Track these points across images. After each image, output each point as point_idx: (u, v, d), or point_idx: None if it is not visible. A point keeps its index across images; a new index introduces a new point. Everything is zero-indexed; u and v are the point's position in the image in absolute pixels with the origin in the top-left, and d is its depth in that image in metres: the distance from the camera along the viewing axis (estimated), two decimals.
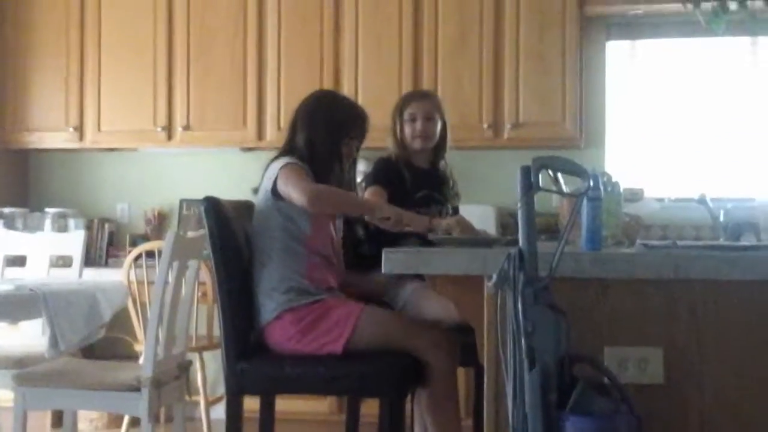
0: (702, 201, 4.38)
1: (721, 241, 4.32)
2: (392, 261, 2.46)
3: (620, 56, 5.70)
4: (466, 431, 3.88)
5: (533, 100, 5.42)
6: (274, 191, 3.25)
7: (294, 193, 3.18)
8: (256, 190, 3.42)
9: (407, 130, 3.82)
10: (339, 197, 3.31)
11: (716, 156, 5.59)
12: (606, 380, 2.16)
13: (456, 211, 3.98)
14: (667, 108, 5.65)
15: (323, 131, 3.38)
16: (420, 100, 3.89)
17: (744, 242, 4.54)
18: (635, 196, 4.01)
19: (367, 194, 3.68)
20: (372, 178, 3.76)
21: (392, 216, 3.21)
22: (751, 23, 3.73)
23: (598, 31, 5.65)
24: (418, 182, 3.80)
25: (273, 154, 5.17)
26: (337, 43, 5.59)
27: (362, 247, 3.59)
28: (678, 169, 5.61)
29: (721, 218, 4.85)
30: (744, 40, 5.52)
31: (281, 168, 3.25)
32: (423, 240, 3.26)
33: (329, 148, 3.38)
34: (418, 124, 3.82)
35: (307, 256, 3.26)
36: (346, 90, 5.43)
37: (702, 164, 5.59)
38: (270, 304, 3.18)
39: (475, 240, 3.14)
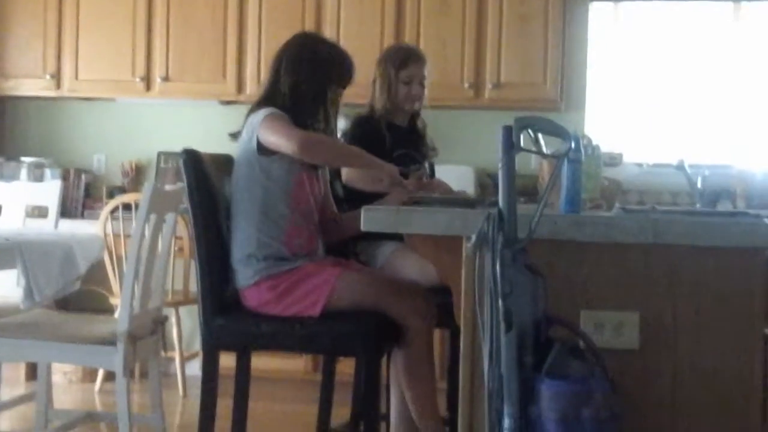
0: (680, 167, 4.40)
1: (699, 207, 4.34)
2: (371, 219, 2.45)
3: (603, 18, 5.67)
4: (440, 392, 3.91)
5: (515, 60, 5.40)
6: (259, 146, 3.15)
7: (281, 140, 3.08)
8: (233, 136, 3.32)
9: (402, 90, 3.81)
10: (333, 145, 3.26)
11: (695, 122, 5.60)
12: (582, 344, 2.17)
13: (432, 172, 3.97)
14: (648, 72, 5.65)
15: (309, 73, 3.25)
16: (418, 63, 3.86)
17: (721, 208, 4.57)
18: (614, 160, 4.02)
19: None
20: (351, 137, 3.74)
21: (389, 177, 3.19)
22: None
23: None
24: (397, 141, 3.79)
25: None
26: None
27: (341, 205, 3.57)
28: (657, 134, 5.62)
29: (699, 184, 4.88)
30: (727, 5, 5.51)
31: (263, 119, 3.14)
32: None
33: (315, 92, 3.26)
34: (414, 88, 3.82)
35: (288, 217, 3.19)
36: None
37: (681, 130, 5.61)
38: (247, 270, 3.15)
39: (455, 200, 3.13)
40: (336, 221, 3.43)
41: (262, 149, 3.15)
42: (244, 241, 3.18)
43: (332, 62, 3.31)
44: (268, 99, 3.28)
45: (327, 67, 3.29)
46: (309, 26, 5.52)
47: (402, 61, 3.84)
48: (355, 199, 3.44)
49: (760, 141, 5.53)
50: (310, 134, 3.14)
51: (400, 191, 3.24)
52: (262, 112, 3.18)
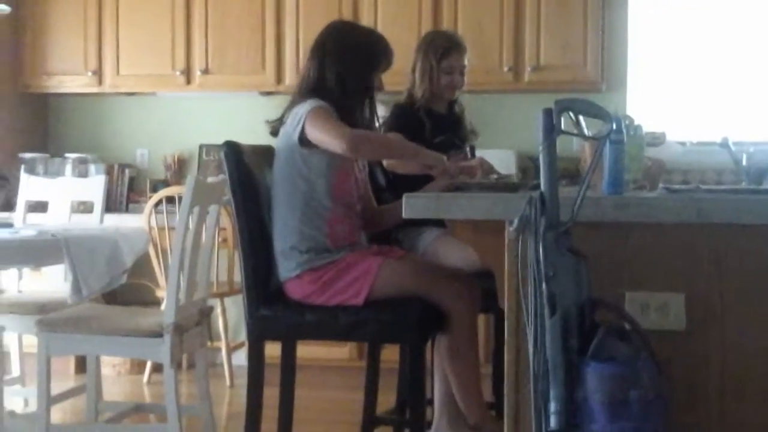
0: (724, 144, 4.33)
1: (744, 185, 4.28)
2: (413, 206, 2.44)
3: None
4: (485, 377, 3.90)
5: (554, 42, 5.36)
6: (301, 139, 3.13)
7: (327, 137, 3.05)
8: (273, 128, 3.31)
9: (443, 79, 3.81)
10: (379, 141, 3.25)
11: (739, 99, 5.52)
12: (627, 326, 2.15)
13: (473, 152, 3.96)
14: (689, 51, 5.57)
15: (354, 63, 3.23)
16: (459, 52, 3.86)
17: (767, 186, 4.50)
18: (657, 139, 3.97)
19: None
20: (391, 125, 3.74)
21: (437, 165, 3.18)
22: None
23: None
24: (437, 128, 3.79)
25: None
26: None
27: (383, 194, 3.57)
28: (700, 112, 5.55)
29: (744, 162, 4.80)
30: None
31: (309, 112, 3.11)
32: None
33: (362, 83, 3.25)
34: (455, 78, 3.83)
35: (330, 209, 3.18)
36: None
37: (724, 108, 5.53)
38: (289, 263, 3.16)
39: (497, 184, 3.12)
40: (374, 214, 3.42)
41: (305, 141, 3.14)
42: (286, 233, 3.18)
43: (375, 49, 3.30)
44: (314, 90, 3.23)
45: (370, 55, 3.28)
46: (346, 13, 5.52)
47: (443, 51, 3.83)
48: (398, 187, 3.43)
49: None
50: (356, 133, 3.09)
51: (445, 177, 3.23)
52: (308, 104, 3.14)
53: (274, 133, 3.30)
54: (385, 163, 3.59)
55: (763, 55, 5.49)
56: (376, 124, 3.41)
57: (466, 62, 3.88)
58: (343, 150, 3.04)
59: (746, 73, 5.51)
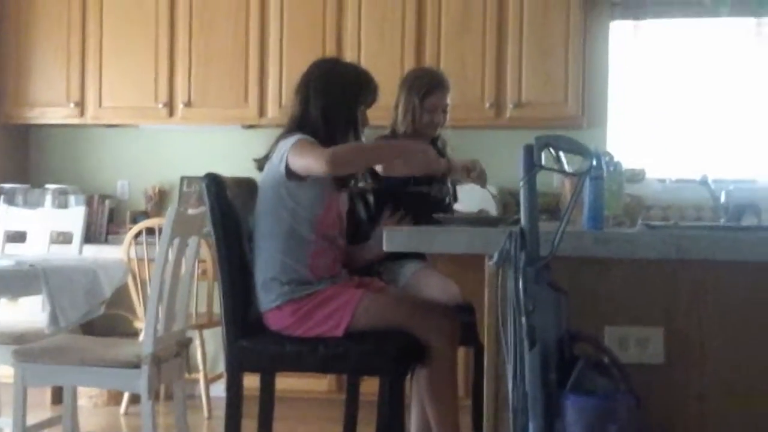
0: (703, 182, 4.36)
1: (723, 222, 4.32)
2: (393, 240, 2.45)
3: (624, 36, 5.67)
4: (464, 411, 3.89)
5: (536, 79, 5.40)
6: (288, 172, 3.14)
7: (311, 162, 3.06)
8: (259, 165, 3.32)
9: (425, 118, 3.83)
10: (361, 149, 3.24)
11: (718, 137, 5.57)
12: (606, 359, 2.15)
13: (455, 192, 3.99)
14: (670, 88, 5.63)
15: (338, 96, 3.26)
16: (442, 91, 3.88)
17: (745, 223, 4.54)
18: (637, 176, 4.00)
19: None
20: None
21: (422, 155, 3.20)
22: (755, 4, 3.70)
23: (602, 11, 5.62)
24: None
25: (275, 131, 5.10)
26: (340, 21, 5.57)
27: (363, 227, 3.58)
28: (680, 150, 5.60)
29: (723, 199, 4.84)
30: (749, 21, 5.49)
31: (292, 145, 3.13)
32: (424, 221, 3.25)
33: (346, 116, 3.27)
34: (438, 116, 3.85)
35: (313, 242, 3.19)
36: None
37: (704, 145, 5.58)
38: (270, 294, 3.16)
39: (477, 219, 3.13)
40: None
41: (291, 174, 3.15)
42: (268, 265, 3.18)
43: (359, 84, 3.33)
44: (298, 125, 3.27)
45: (355, 89, 3.31)
46: (330, 48, 5.55)
47: (427, 90, 3.85)
48: (379, 221, 3.46)
49: None
50: (335, 148, 3.10)
51: (438, 161, 3.31)
52: (292, 139, 3.16)
53: (261, 168, 3.31)
54: (379, 169, 3.59)
55: (742, 93, 5.55)
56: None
57: (448, 101, 3.91)
58: (325, 170, 3.05)
59: (726, 111, 5.56)
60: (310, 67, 3.40)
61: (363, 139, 3.36)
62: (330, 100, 3.26)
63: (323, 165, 3.03)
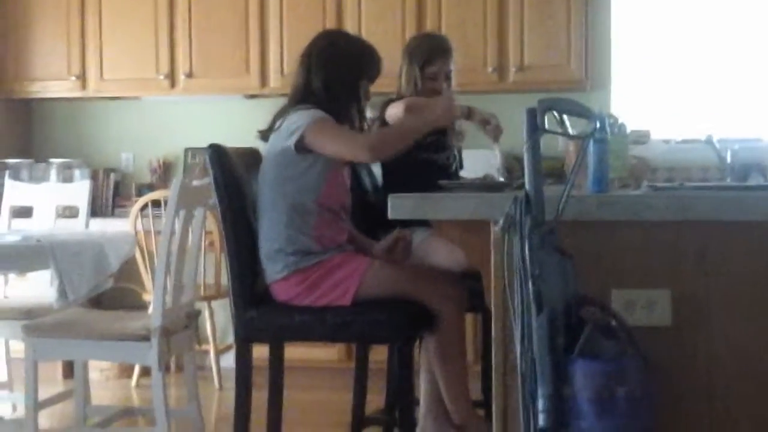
0: (709, 142, 4.35)
1: (728, 182, 4.31)
2: (399, 207, 2.45)
3: None
4: (474, 376, 3.91)
5: (538, 42, 5.37)
6: (298, 146, 3.12)
7: (343, 147, 3.09)
8: (263, 136, 3.30)
9: (428, 85, 3.81)
10: (394, 137, 3.22)
11: (723, 96, 5.54)
12: (613, 323, 2.16)
13: (460, 157, 3.98)
14: (673, 49, 5.60)
15: (341, 69, 3.25)
16: (443, 58, 3.84)
17: (751, 183, 4.52)
18: (641, 138, 3.99)
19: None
20: (383, 120, 3.72)
21: (441, 111, 3.23)
22: None
23: None
24: None
25: (277, 101, 5.08)
26: None
27: (369, 197, 3.58)
28: (684, 110, 5.57)
29: (728, 159, 4.83)
30: None
31: (312, 123, 3.11)
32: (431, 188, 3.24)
33: (348, 88, 3.25)
34: (440, 83, 3.82)
35: (317, 213, 3.18)
36: None
37: (709, 105, 5.55)
38: (276, 265, 3.15)
39: (483, 185, 3.13)
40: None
41: (301, 149, 3.13)
42: (272, 236, 3.18)
43: (362, 57, 3.31)
44: (301, 97, 3.26)
45: (357, 62, 3.29)
46: (330, 16, 5.52)
47: (427, 57, 3.82)
48: (386, 188, 3.45)
49: None
50: (372, 139, 3.14)
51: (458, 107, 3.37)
52: (308, 115, 3.14)
53: (265, 139, 3.29)
54: None
55: (747, 52, 5.51)
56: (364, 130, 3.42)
57: (452, 67, 3.87)
58: (366, 158, 3.12)
59: (730, 70, 5.53)
60: (314, 39, 3.39)
61: (368, 113, 3.34)
62: (332, 73, 3.24)
63: (363, 153, 3.10)
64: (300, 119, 3.14)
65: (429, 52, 3.84)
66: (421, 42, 3.99)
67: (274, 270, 3.16)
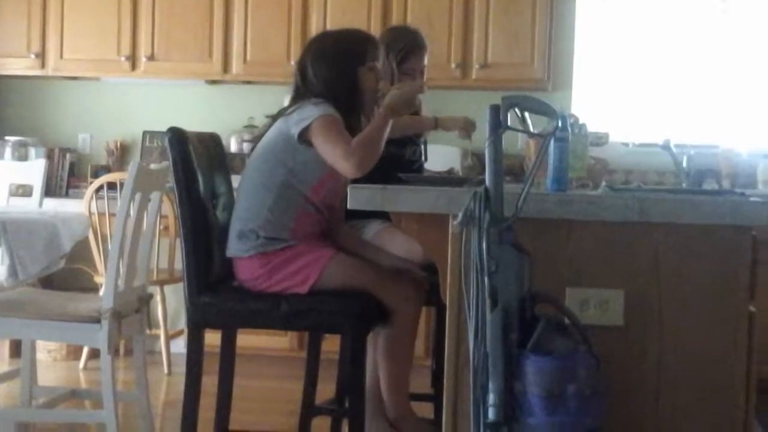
0: (666, 147, 4.41)
1: (684, 186, 4.36)
2: (358, 198, 2.44)
3: None
4: (425, 370, 3.92)
5: (502, 40, 5.40)
6: (301, 135, 3.09)
7: (335, 157, 3.04)
8: (273, 118, 3.25)
9: (403, 80, 3.80)
10: (373, 142, 3.11)
11: (681, 102, 5.61)
12: (566, 321, 2.17)
13: (425, 150, 3.98)
14: (635, 51, 5.65)
15: (338, 66, 3.21)
16: (419, 55, 3.85)
17: (706, 188, 4.58)
18: (600, 139, 4.02)
19: None
20: None
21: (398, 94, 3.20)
22: None
23: None
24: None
25: (238, 87, 5.12)
26: None
27: None
28: (643, 114, 5.63)
29: (684, 164, 4.90)
30: None
31: (319, 117, 3.08)
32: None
33: (348, 82, 3.21)
34: (415, 79, 3.81)
35: (301, 205, 3.17)
36: (314, 25, 5.39)
37: (667, 110, 5.61)
38: (243, 243, 3.14)
39: (443, 179, 3.13)
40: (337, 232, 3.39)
41: (304, 139, 3.11)
42: (250, 215, 3.16)
43: (352, 46, 3.28)
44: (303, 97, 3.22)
45: (349, 52, 3.25)
46: (295, 6, 5.52)
47: (404, 54, 3.82)
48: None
49: (745, 121, 5.54)
50: (359, 152, 3.04)
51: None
52: (322, 109, 3.11)
53: (274, 120, 3.24)
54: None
55: (706, 59, 5.58)
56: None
57: (425, 62, 3.89)
58: (350, 171, 3.04)
59: (689, 76, 5.60)
60: (305, 45, 3.40)
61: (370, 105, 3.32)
62: (329, 71, 3.21)
63: (349, 169, 3.03)
64: (313, 111, 3.11)
65: (406, 48, 3.84)
66: (398, 36, 3.96)
67: (240, 248, 3.15)
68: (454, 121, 3.86)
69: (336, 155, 3.06)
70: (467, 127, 3.84)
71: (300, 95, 3.26)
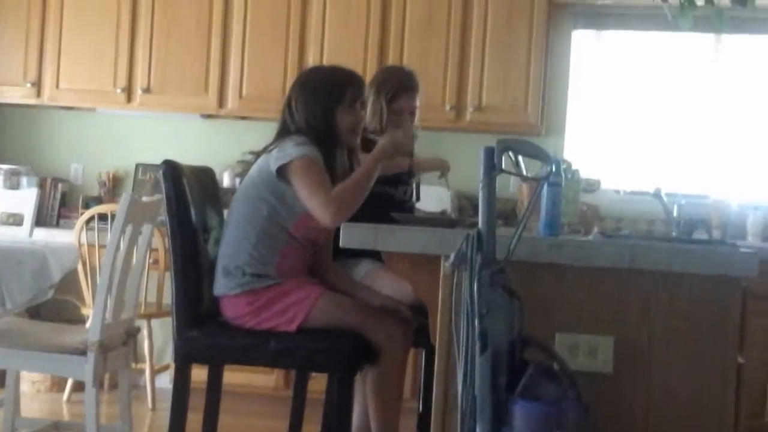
0: (657, 195, 4.43)
1: (674, 235, 4.37)
2: (350, 236, 2.45)
3: (585, 45, 5.71)
4: (410, 412, 3.90)
5: (497, 84, 5.42)
6: (280, 172, 3.10)
7: (310, 202, 3.05)
8: (256, 155, 3.26)
9: (392, 120, 3.81)
10: (351, 192, 3.11)
11: (673, 151, 5.64)
12: (556, 366, 2.17)
13: (418, 190, 3.99)
14: (628, 100, 5.69)
15: (316, 103, 3.22)
16: (409, 95, 3.85)
17: (696, 237, 4.60)
18: (592, 186, 4.05)
19: None
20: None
21: (387, 144, 3.22)
22: (716, 20, 3.75)
23: (565, 20, 5.67)
24: None
25: (233, 122, 5.13)
26: (304, 14, 5.55)
27: None
28: (635, 162, 5.65)
29: (675, 213, 4.92)
30: (708, 37, 5.56)
31: (300, 157, 3.09)
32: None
33: (325, 120, 3.21)
34: (404, 119, 3.83)
35: (286, 240, 3.17)
36: (311, 62, 5.41)
37: (659, 159, 5.64)
38: (230, 281, 3.14)
39: (435, 220, 3.14)
40: (323, 268, 3.38)
41: (282, 176, 3.12)
42: (235, 253, 3.15)
43: (331, 85, 3.27)
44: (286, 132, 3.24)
45: (327, 91, 3.25)
46: (292, 43, 5.53)
47: (393, 93, 3.83)
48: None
49: (736, 172, 5.57)
50: (335, 200, 3.05)
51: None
52: (303, 149, 3.11)
53: (257, 158, 3.26)
54: None
55: (698, 109, 5.62)
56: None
57: (417, 103, 3.90)
58: (327, 223, 3.05)
59: (682, 125, 5.63)
60: (294, 80, 3.41)
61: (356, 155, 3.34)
62: (308, 107, 3.23)
63: (326, 219, 3.04)
64: (293, 150, 3.12)
65: (396, 87, 3.85)
66: (390, 75, 3.98)
67: (227, 285, 3.14)
68: (428, 162, 3.81)
69: (314, 203, 3.06)
70: (441, 169, 3.82)
71: (284, 129, 3.27)
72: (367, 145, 3.70)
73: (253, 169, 3.23)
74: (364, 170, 3.18)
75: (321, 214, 3.05)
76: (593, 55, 5.72)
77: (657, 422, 2.32)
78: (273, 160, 3.14)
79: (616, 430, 2.31)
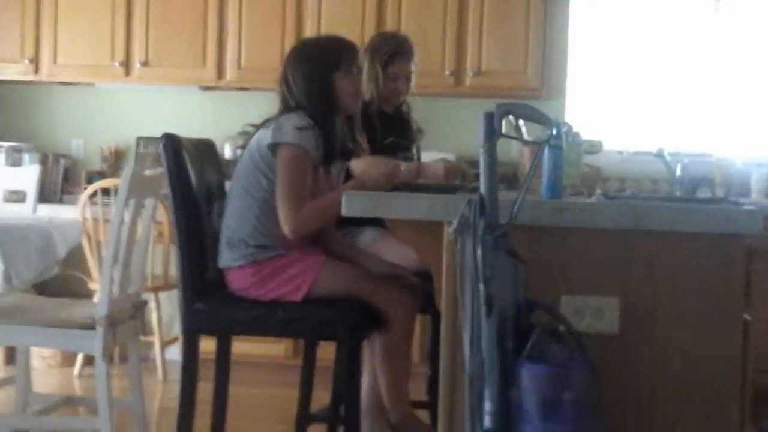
0: (660, 155, 4.42)
1: (678, 195, 4.37)
2: (353, 205, 2.45)
3: (585, 6, 5.68)
4: (420, 377, 3.92)
5: (496, 48, 5.41)
6: (272, 148, 3.10)
7: (280, 200, 3.07)
8: (257, 127, 3.25)
9: (389, 85, 3.81)
10: (324, 216, 3.12)
11: (675, 110, 5.62)
12: (562, 328, 2.18)
13: (419, 155, 3.99)
14: (628, 60, 5.66)
15: (312, 71, 3.20)
16: (404, 59, 3.85)
17: (700, 196, 4.60)
18: (594, 147, 4.04)
19: None
20: (347, 173, 3.69)
21: (382, 176, 3.14)
22: None
23: None
24: (387, 130, 3.81)
25: (233, 94, 5.11)
26: None
27: None
28: (637, 122, 5.64)
29: (678, 172, 4.91)
30: None
31: (289, 146, 3.08)
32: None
33: (323, 87, 3.19)
34: (401, 83, 3.83)
35: None
36: (309, 31, 5.40)
37: (661, 118, 5.63)
38: (234, 253, 3.14)
39: (438, 186, 3.14)
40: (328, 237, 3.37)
41: (272, 150, 3.12)
42: (239, 225, 3.16)
43: (326, 52, 3.26)
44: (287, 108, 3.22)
45: (324, 58, 3.24)
46: (289, 13, 5.51)
47: (388, 58, 3.83)
48: None
49: (739, 129, 5.56)
50: (301, 217, 3.06)
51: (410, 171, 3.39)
52: (297, 136, 3.08)
53: (256, 130, 3.25)
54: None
55: (700, 68, 5.60)
56: (362, 143, 3.41)
57: (412, 68, 3.88)
58: (286, 231, 3.08)
59: (683, 85, 5.61)
60: (287, 53, 3.37)
61: (358, 125, 3.32)
62: (306, 78, 3.20)
63: (285, 228, 3.07)
64: (291, 133, 3.09)
65: (391, 52, 3.85)
66: (384, 41, 3.98)
67: (231, 257, 3.15)
68: (435, 168, 3.70)
69: (283, 207, 3.08)
70: (449, 175, 3.69)
71: (286, 106, 3.25)
72: (370, 119, 3.69)
73: (253, 142, 3.22)
74: (339, 196, 3.18)
75: (283, 221, 3.07)
76: (593, 16, 5.69)
77: (663, 381, 2.33)
78: (270, 135, 3.13)
79: (623, 389, 2.32)
